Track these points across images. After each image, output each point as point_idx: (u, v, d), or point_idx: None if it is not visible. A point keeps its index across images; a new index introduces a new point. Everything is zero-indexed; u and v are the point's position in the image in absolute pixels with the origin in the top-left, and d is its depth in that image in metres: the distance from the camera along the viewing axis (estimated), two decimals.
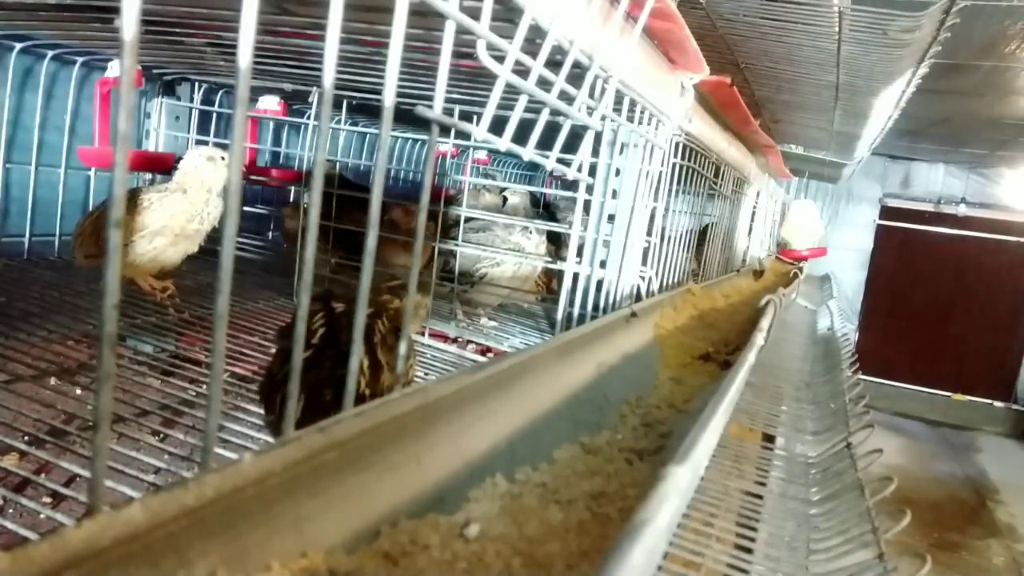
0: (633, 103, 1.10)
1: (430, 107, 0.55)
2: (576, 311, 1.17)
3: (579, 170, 0.92)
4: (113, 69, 1.58)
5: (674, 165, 1.43)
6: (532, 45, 0.68)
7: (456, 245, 1.55)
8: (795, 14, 1.34)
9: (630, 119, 1.12)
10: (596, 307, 1.19)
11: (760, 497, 0.66)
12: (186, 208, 1.32)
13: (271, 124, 2.22)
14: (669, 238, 1.54)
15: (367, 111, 1.95)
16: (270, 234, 2.28)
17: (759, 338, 1.06)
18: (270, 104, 1.77)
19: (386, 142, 0.52)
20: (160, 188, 1.35)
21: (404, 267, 1.56)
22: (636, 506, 0.44)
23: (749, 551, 0.56)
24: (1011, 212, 5.38)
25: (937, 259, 5.67)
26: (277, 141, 2.33)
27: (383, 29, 0.81)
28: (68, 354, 1.12)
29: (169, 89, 1.91)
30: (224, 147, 1.50)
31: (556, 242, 1.86)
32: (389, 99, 0.50)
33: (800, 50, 1.59)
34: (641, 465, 0.72)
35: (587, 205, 1.19)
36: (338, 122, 1.89)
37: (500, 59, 0.65)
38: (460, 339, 1.48)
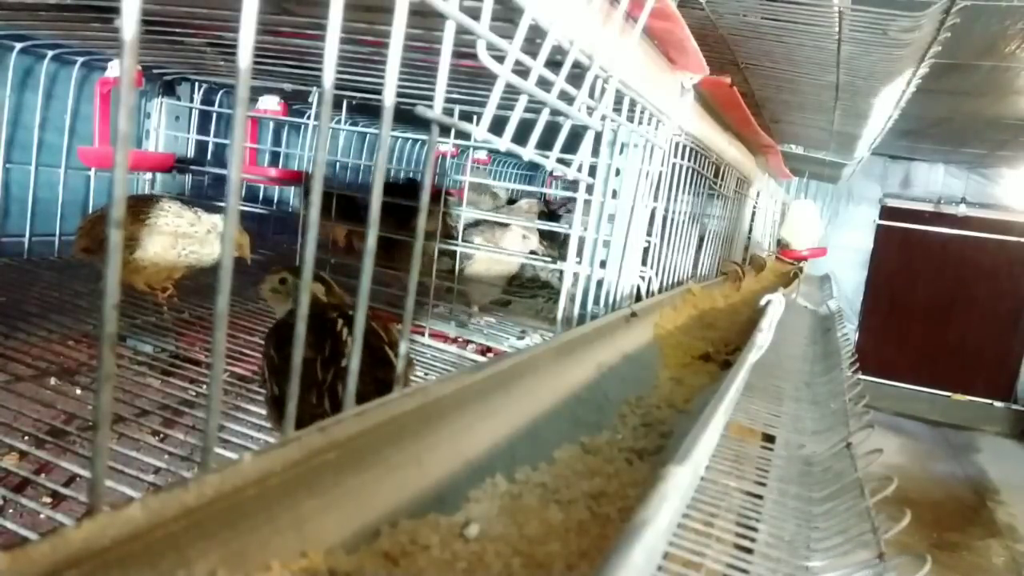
0: (633, 103, 1.10)
1: (430, 107, 0.55)
2: (576, 311, 1.17)
3: (579, 170, 0.92)
4: (113, 69, 1.58)
5: (674, 165, 1.43)
6: (532, 45, 0.68)
7: (456, 245, 1.56)
8: (795, 14, 1.34)
9: (630, 119, 1.12)
10: (596, 307, 1.19)
11: (760, 497, 0.66)
12: (175, 236, 1.29)
13: (271, 124, 2.22)
14: (670, 238, 1.54)
15: (367, 111, 1.95)
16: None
17: (759, 338, 1.06)
18: (270, 104, 1.76)
19: (386, 142, 0.52)
20: (166, 208, 1.31)
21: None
22: (636, 506, 0.44)
23: (749, 551, 0.56)
24: (1011, 212, 5.38)
25: (937, 259, 5.67)
26: (277, 141, 2.33)
27: (383, 29, 0.81)
28: (68, 354, 1.12)
29: (169, 89, 1.91)
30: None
31: (556, 241, 1.88)
32: (389, 99, 0.50)
33: (800, 50, 1.59)
34: (641, 465, 0.72)
35: (587, 205, 1.19)
36: (338, 122, 1.88)
37: (500, 59, 0.65)
38: (460, 339, 1.48)
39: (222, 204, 1.41)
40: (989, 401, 5.59)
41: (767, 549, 0.57)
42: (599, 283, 1.20)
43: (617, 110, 1.06)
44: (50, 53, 1.56)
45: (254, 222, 2.11)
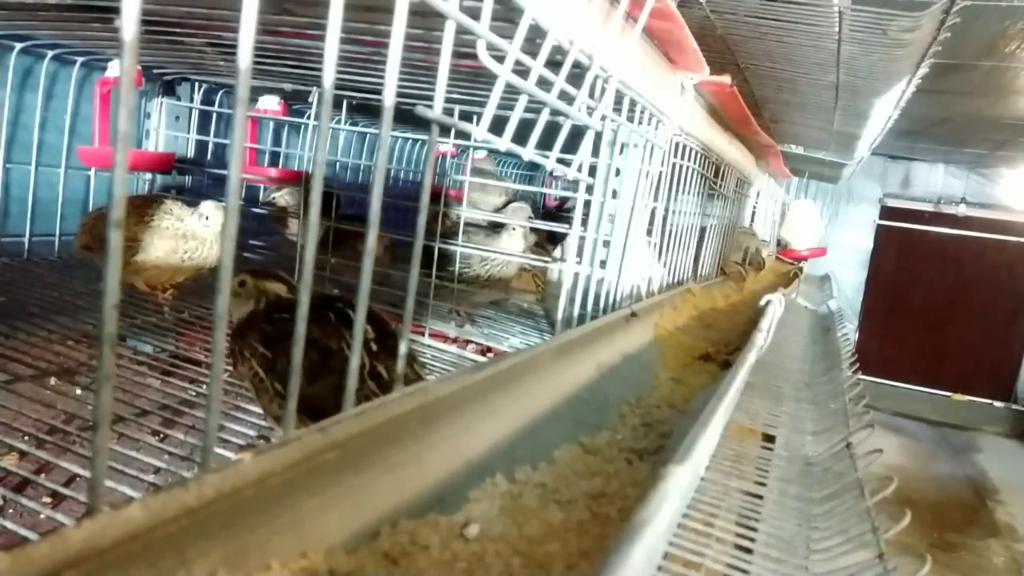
0: (633, 103, 1.10)
1: (430, 107, 0.55)
2: (576, 311, 1.17)
3: (579, 170, 0.92)
4: (113, 69, 1.58)
5: (674, 165, 1.43)
6: (532, 45, 0.68)
7: (454, 245, 1.56)
8: (795, 14, 1.34)
9: (630, 119, 1.12)
10: (596, 307, 1.19)
11: (760, 497, 0.66)
12: (175, 240, 1.29)
13: (271, 124, 2.22)
14: (670, 237, 1.54)
15: (367, 111, 1.95)
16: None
17: (759, 338, 1.06)
18: (270, 104, 1.76)
19: (386, 142, 0.52)
20: (169, 211, 1.30)
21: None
22: (636, 506, 0.44)
23: (749, 551, 0.56)
24: (1011, 212, 5.39)
25: (937, 259, 5.67)
26: (277, 141, 2.32)
27: (383, 29, 0.81)
28: (68, 354, 1.12)
29: (169, 89, 1.90)
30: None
31: (555, 241, 1.89)
32: (389, 99, 0.50)
33: (800, 50, 1.59)
34: (641, 465, 0.72)
35: (587, 205, 1.19)
36: (338, 122, 1.88)
37: (500, 59, 0.65)
38: (460, 339, 1.48)
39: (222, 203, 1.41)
40: (989, 401, 5.59)
41: (767, 549, 0.57)
42: (599, 283, 1.20)
43: (617, 110, 1.06)
44: (50, 53, 1.55)
45: (254, 221, 2.11)
